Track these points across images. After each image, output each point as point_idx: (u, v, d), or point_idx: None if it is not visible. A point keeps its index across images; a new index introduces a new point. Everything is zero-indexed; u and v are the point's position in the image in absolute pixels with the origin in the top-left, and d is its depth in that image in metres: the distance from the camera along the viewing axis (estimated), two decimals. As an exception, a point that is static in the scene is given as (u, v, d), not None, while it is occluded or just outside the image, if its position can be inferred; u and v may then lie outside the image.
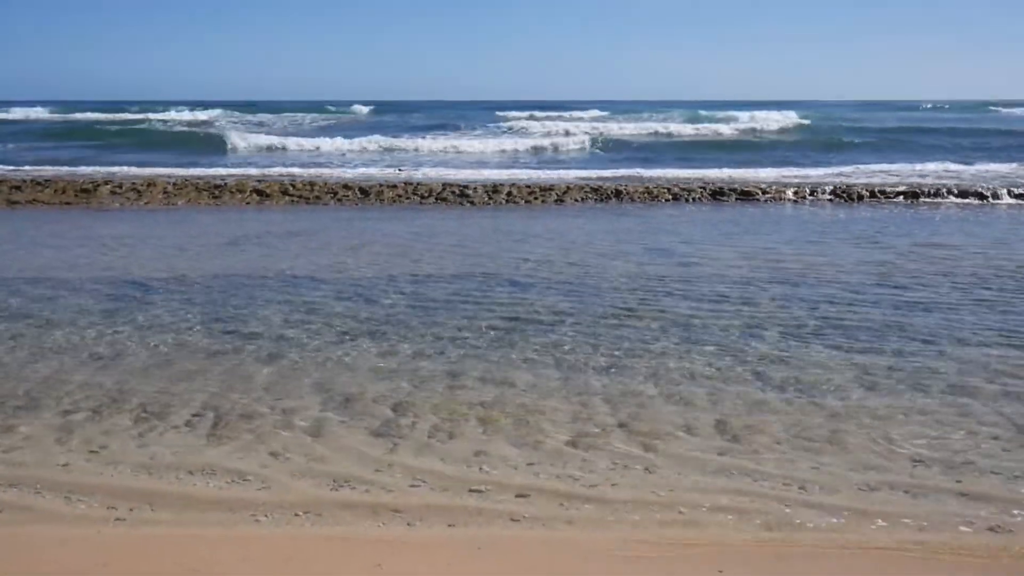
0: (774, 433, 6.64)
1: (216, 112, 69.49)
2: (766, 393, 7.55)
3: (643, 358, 8.46)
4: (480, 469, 5.91)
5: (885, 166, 30.88)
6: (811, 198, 23.49)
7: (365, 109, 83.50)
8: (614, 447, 6.34)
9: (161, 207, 20.42)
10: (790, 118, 59.55)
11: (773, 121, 57.01)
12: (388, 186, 23.03)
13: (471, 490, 5.55)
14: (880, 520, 5.21)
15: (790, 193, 23.78)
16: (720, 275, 12.55)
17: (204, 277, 12.21)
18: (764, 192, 23.76)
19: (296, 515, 5.19)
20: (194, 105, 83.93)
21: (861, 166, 30.96)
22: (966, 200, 23.52)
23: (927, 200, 23.38)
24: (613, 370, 8.11)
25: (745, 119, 57.95)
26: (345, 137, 40.27)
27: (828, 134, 46.34)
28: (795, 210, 21.60)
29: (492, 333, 9.30)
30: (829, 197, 23.62)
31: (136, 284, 11.70)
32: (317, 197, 21.81)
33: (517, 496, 5.45)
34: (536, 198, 22.38)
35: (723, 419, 6.91)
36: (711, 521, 5.18)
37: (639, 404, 7.24)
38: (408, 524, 5.08)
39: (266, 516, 5.18)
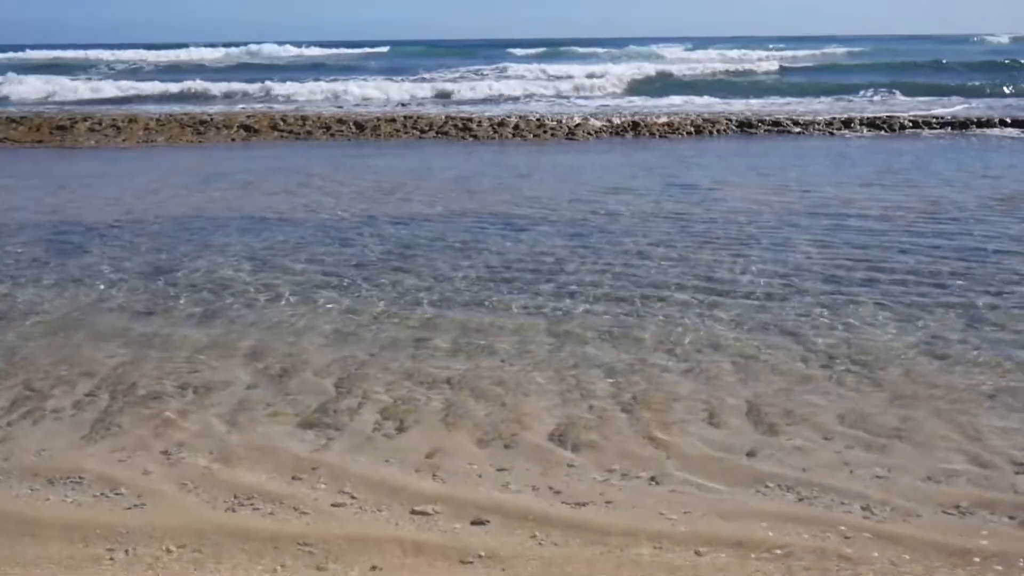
0: (822, 423, 5.14)
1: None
2: (809, 365, 6.03)
3: (655, 318, 6.95)
4: (433, 476, 4.45)
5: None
6: (846, 130, 21.62)
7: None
8: (612, 443, 4.87)
9: (139, 145, 18.89)
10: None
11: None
12: (386, 120, 21.40)
13: (414, 511, 4.09)
14: (976, 558, 3.72)
15: (822, 123, 21.93)
16: (748, 213, 10.95)
17: (159, 219, 10.75)
18: (796, 123, 21.93)
19: (166, 551, 3.77)
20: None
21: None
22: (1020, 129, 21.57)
23: (977, 131, 21.41)
24: (617, 333, 6.61)
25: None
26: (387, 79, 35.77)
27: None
28: (830, 142, 19.81)
29: (476, 286, 7.81)
30: (867, 129, 21.75)
31: (80, 228, 10.26)
32: (309, 132, 20.22)
33: (473, 523, 3.99)
34: (545, 132, 20.68)
35: (755, 402, 5.41)
36: (741, 566, 3.71)
37: (648, 380, 5.75)
38: (318, 568, 3.64)
39: (125, 552, 3.75)
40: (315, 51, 64.14)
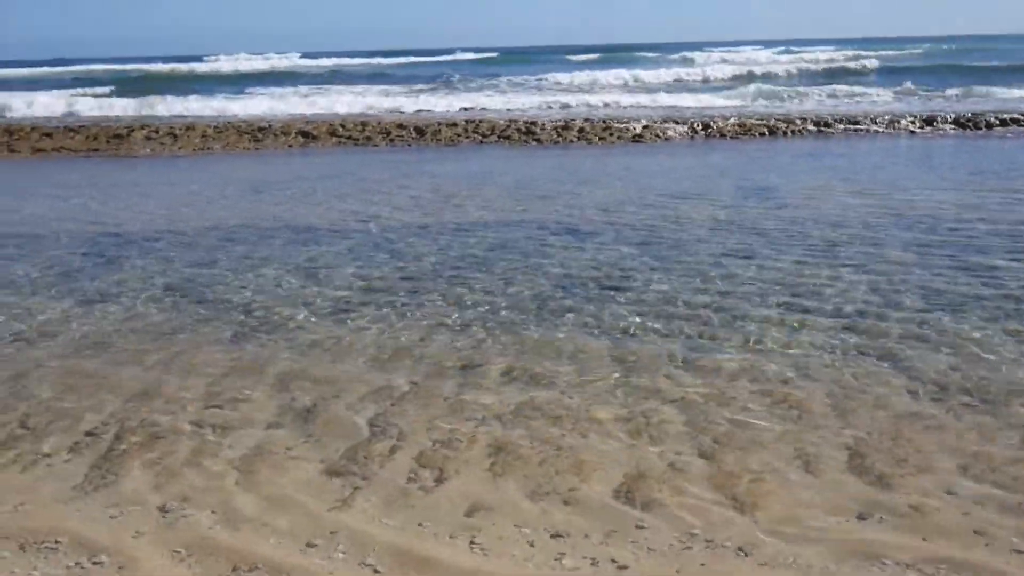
0: (943, 473, 4.26)
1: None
2: (918, 399, 5.14)
3: (735, 340, 6.12)
4: (471, 544, 3.70)
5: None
6: (928, 128, 20.34)
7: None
8: (689, 500, 4.06)
9: (195, 153, 18.54)
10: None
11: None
12: (447, 124, 20.77)
13: (445, 596, 3.34)
14: None
15: (904, 122, 20.69)
16: (831, 219, 10.01)
17: (200, 230, 10.22)
18: (875, 121, 20.73)
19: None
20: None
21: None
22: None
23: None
24: (692, 359, 5.79)
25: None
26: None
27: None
28: (913, 141, 18.61)
29: (534, 302, 7.06)
30: (952, 126, 20.44)
31: (119, 240, 9.78)
32: (368, 138, 19.70)
33: (519, 613, 3.23)
34: (612, 134, 19.84)
35: (859, 447, 4.55)
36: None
37: (731, 418, 4.92)
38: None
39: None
40: (379, 60, 64.31)
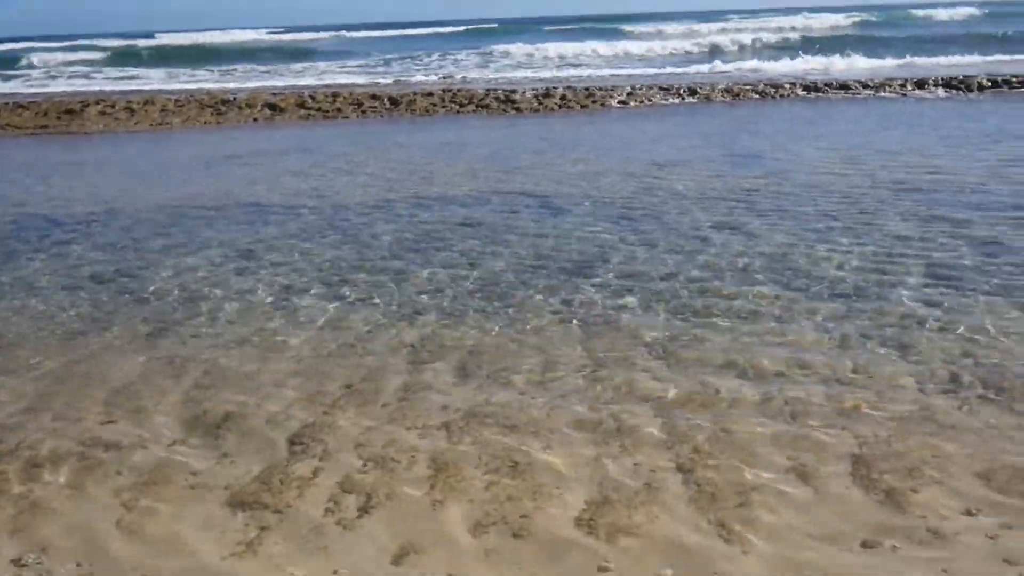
0: (962, 485, 3.58)
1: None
2: (927, 393, 4.46)
3: (721, 325, 5.41)
4: (395, 601, 2.99)
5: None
6: (919, 91, 19.59)
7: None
8: (664, 527, 3.36)
9: (152, 129, 17.63)
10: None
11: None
12: (423, 94, 19.91)
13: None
14: None
15: (896, 85, 19.93)
16: (823, 187, 9.29)
17: (142, 210, 9.42)
18: (865, 85, 19.97)
19: None
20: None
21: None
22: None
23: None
24: (672, 349, 5.08)
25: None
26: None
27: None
28: (904, 104, 17.87)
29: (498, 285, 6.34)
30: (943, 89, 19.69)
31: (50, 224, 8.98)
32: (338, 110, 18.83)
33: None
34: (595, 102, 19.02)
35: (864, 454, 3.86)
36: None
37: (715, 419, 4.22)
38: None
39: None
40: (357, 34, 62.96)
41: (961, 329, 5.20)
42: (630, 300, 5.90)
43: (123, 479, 3.83)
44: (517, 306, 5.89)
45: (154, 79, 28.46)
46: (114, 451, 4.09)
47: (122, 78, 29.72)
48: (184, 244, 7.87)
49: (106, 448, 4.12)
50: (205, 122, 17.89)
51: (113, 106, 19.11)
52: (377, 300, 6.13)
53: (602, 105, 18.82)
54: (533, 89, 20.27)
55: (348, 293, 6.29)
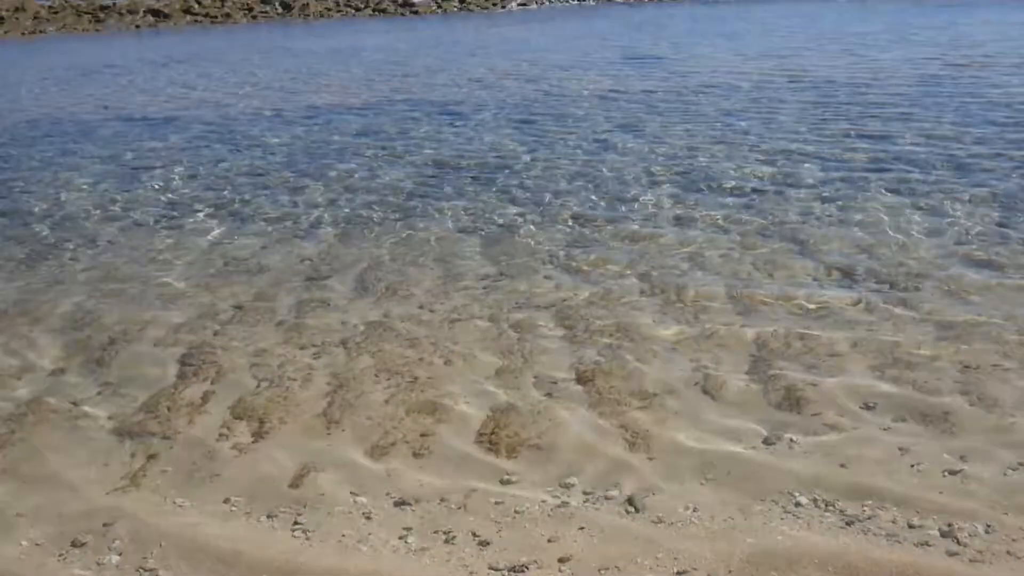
0: (858, 382, 3.62)
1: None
2: (824, 287, 4.51)
3: (621, 229, 5.36)
4: (292, 528, 2.88)
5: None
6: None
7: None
8: (568, 438, 3.32)
9: (24, 37, 16.52)
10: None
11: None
12: (315, -3, 19.07)
13: (247, 607, 2.54)
14: None
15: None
16: (724, 87, 9.26)
17: (14, 126, 8.86)
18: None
19: None
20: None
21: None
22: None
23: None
24: (574, 255, 5.02)
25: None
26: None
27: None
28: (809, 5, 17.92)
29: (397, 195, 6.15)
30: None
31: (-87, 142, 8.35)
32: (227, 15, 17.94)
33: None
34: (495, 4, 18.54)
35: (762, 354, 3.88)
36: None
37: (616, 328, 4.18)
38: None
39: None
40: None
41: (856, 224, 5.26)
42: (531, 207, 5.79)
43: (-3, 413, 3.60)
44: (417, 216, 5.73)
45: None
46: (-14, 384, 3.84)
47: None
48: (61, 160, 7.42)
49: (-23, 381, 3.87)
50: (83, 30, 16.83)
51: (-21, 14, 17.80)
52: (270, 214, 5.88)
53: (503, 7, 18.37)
54: (431, -9, 19.62)
55: (239, 208, 6.03)
